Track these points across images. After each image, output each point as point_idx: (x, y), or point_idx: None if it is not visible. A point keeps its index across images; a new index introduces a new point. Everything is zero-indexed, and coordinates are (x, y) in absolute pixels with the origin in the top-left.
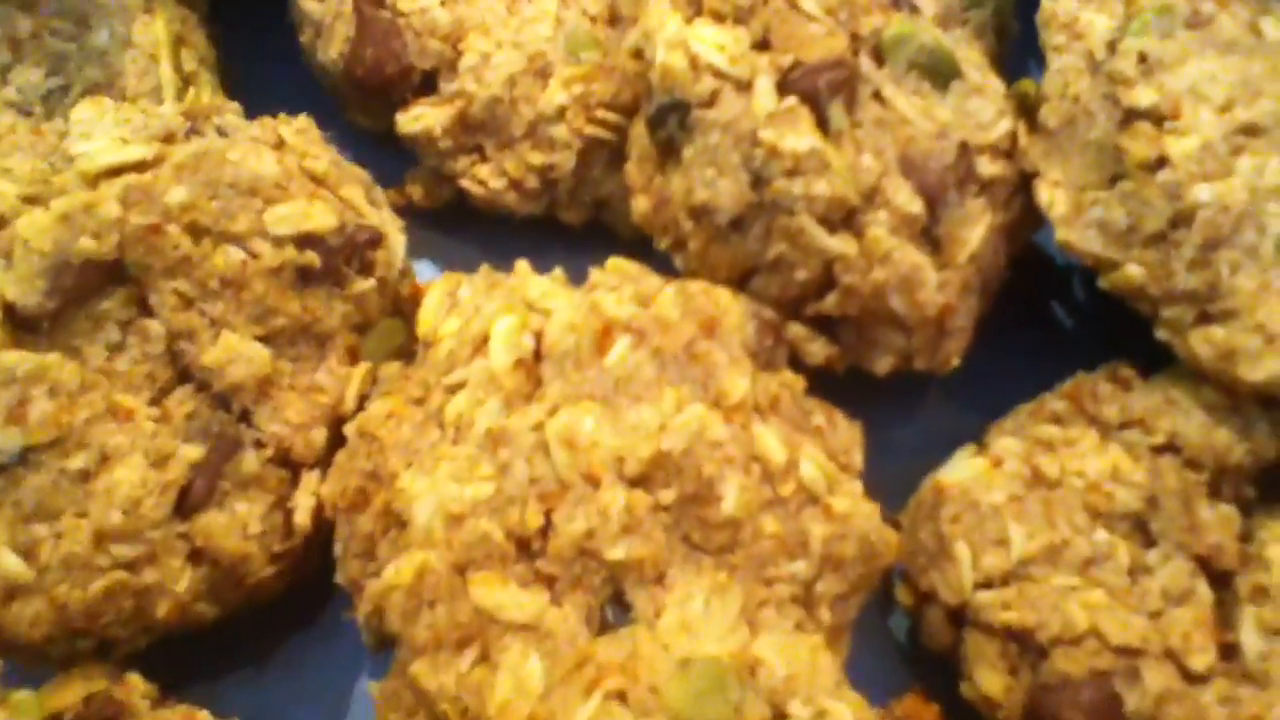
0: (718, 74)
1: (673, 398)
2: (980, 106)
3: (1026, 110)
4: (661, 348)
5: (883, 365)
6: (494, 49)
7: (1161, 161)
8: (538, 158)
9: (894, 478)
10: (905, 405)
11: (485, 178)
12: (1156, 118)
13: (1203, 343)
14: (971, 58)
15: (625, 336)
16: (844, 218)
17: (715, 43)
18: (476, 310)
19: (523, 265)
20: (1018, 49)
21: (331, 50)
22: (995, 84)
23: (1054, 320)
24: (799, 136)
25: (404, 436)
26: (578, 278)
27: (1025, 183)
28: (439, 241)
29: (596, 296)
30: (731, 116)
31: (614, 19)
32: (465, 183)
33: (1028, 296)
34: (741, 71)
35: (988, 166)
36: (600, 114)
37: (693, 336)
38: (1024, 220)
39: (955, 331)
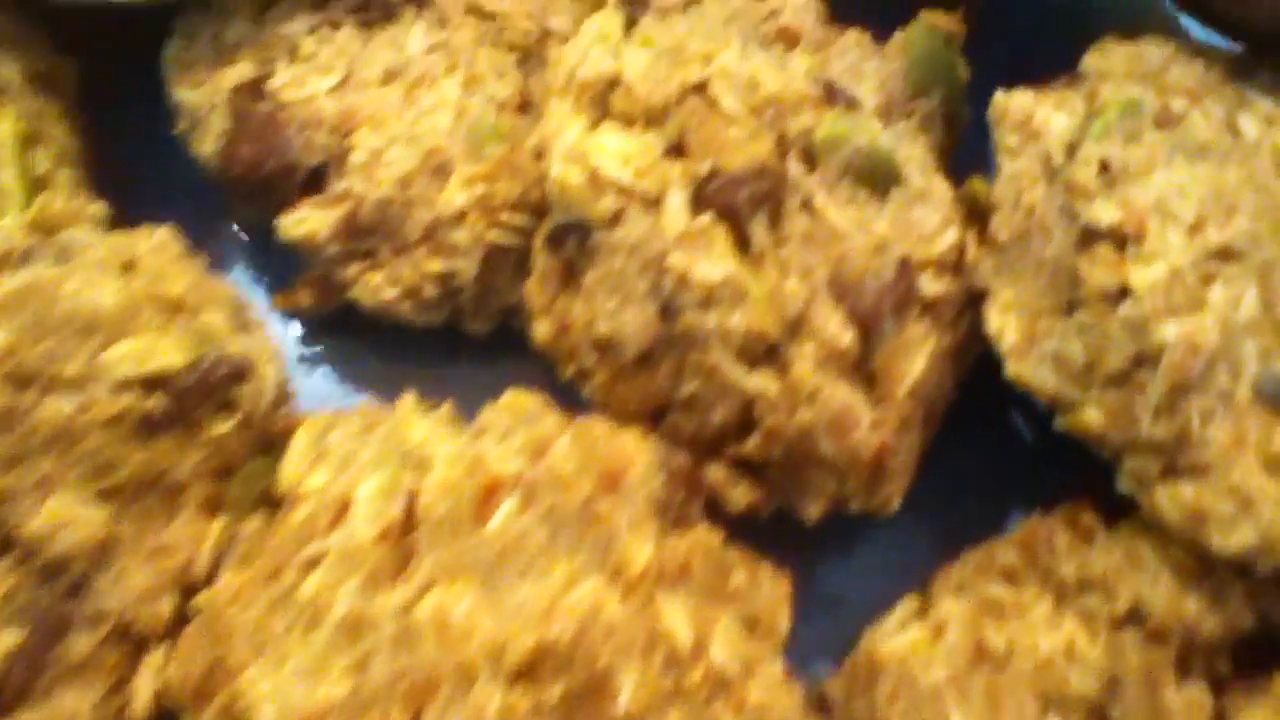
0: (621, 191)
1: (564, 571)
2: (924, 215)
3: (977, 214)
4: (554, 508)
5: (813, 511)
6: (386, 144)
7: (1123, 292)
8: (436, 265)
9: (829, 629)
10: (843, 541)
11: (378, 287)
12: (1118, 238)
13: (1169, 502)
14: (915, 156)
15: (512, 496)
16: (765, 352)
17: (620, 153)
18: (346, 461)
19: (405, 404)
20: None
21: (206, 145)
22: (941, 187)
23: (1008, 440)
24: (713, 262)
25: (253, 619)
26: (489, 390)
27: (975, 298)
28: (337, 348)
29: (481, 448)
30: (637, 239)
31: (525, 105)
32: (356, 292)
33: (980, 415)
34: (649, 186)
35: (931, 284)
36: (505, 216)
37: (591, 493)
38: (974, 339)
39: (894, 472)
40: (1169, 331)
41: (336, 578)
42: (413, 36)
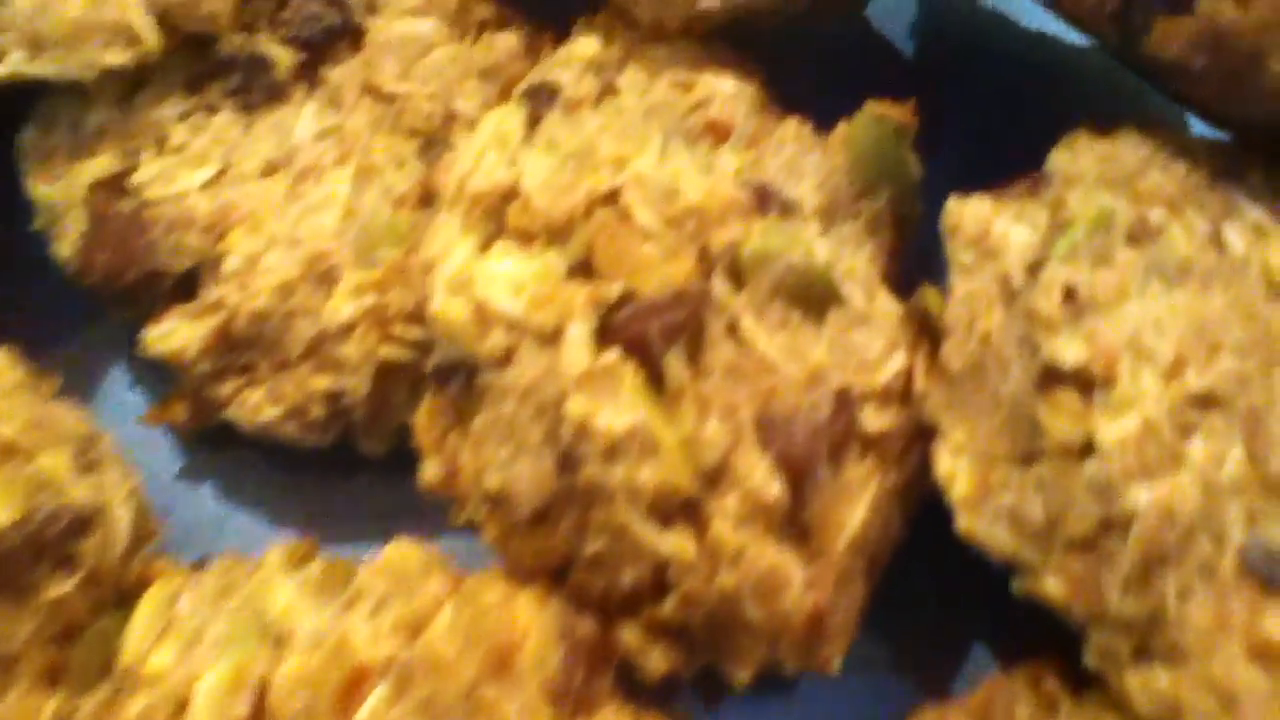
0: (513, 325)
1: None
2: (866, 339)
3: (929, 331)
4: (432, 697)
5: (742, 675)
6: (264, 247)
7: (1089, 446)
8: (322, 383)
9: None
10: (779, 700)
11: (257, 406)
12: (1084, 381)
13: (1141, 689)
14: (857, 269)
15: (381, 684)
16: (681, 507)
17: (512, 280)
18: (195, 637)
19: (271, 561)
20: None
21: (64, 247)
22: (886, 306)
23: (964, 585)
24: (619, 407)
25: None
26: (388, 514)
27: (925, 431)
28: (222, 462)
29: (349, 625)
30: (530, 380)
31: (426, 198)
32: (232, 412)
33: (932, 556)
34: (545, 319)
35: (874, 419)
36: (399, 329)
37: (475, 678)
38: (924, 474)
39: (833, 632)
40: (1141, 496)
41: None
42: (301, 121)
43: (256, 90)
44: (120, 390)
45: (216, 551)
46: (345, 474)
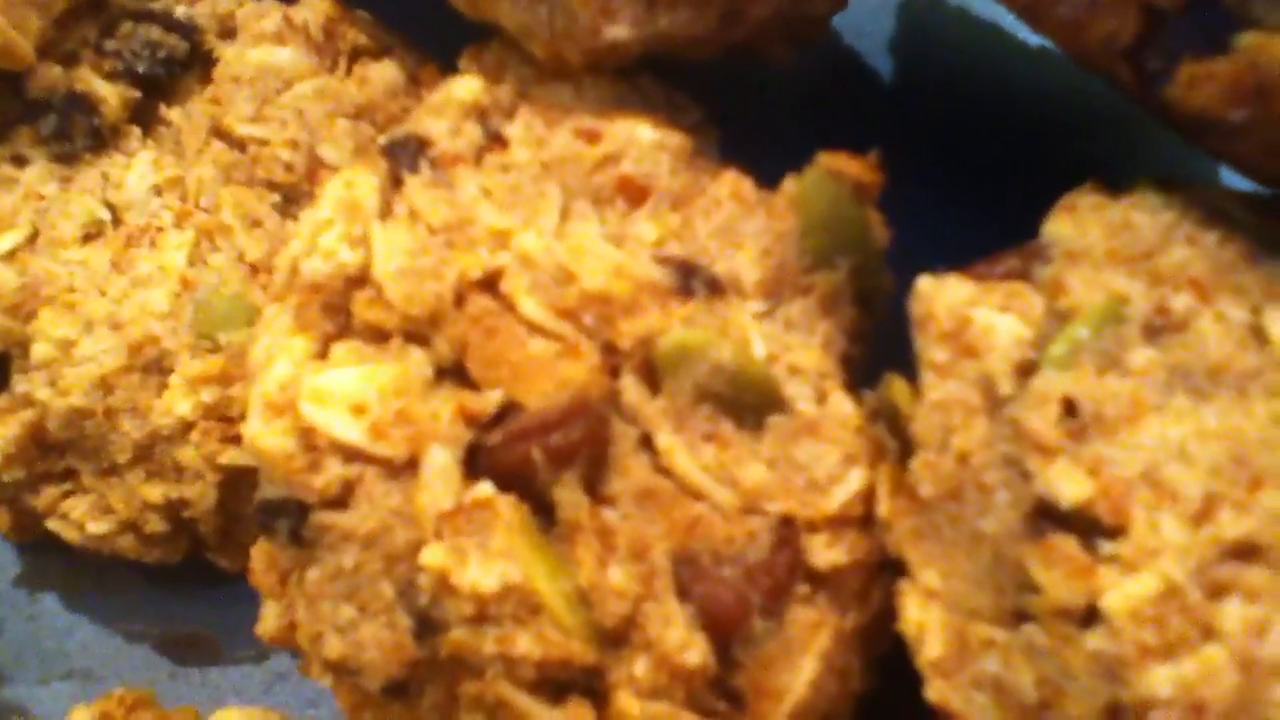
0: (353, 455)
1: None
2: (815, 453)
3: (898, 432)
4: None
5: None
6: (80, 332)
7: (1093, 613)
8: (157, 491)
9: None
10: None
11: (82, 518)
12: (1088, 526)
13: None
14: (806, 364)
15: None
16: (575, 677)
17: (352, 398)
18: None
19: None
20: None
21: None
22: (841, 409)
23: None
24: (489, 561)
25: None
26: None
27: (892, 561)
28: (66, 563)
29: None
30: (378, 523)
31: None
32: (54, 525)
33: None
34: (396, 446)
35: (825, 553)
36: None
37: None
38: (891, 613)
39: None
40: (1160, 681)
41: None
42: (133, 173)
43: (78, 136)
44: None
45: (57, 673)
46: (210, 581)
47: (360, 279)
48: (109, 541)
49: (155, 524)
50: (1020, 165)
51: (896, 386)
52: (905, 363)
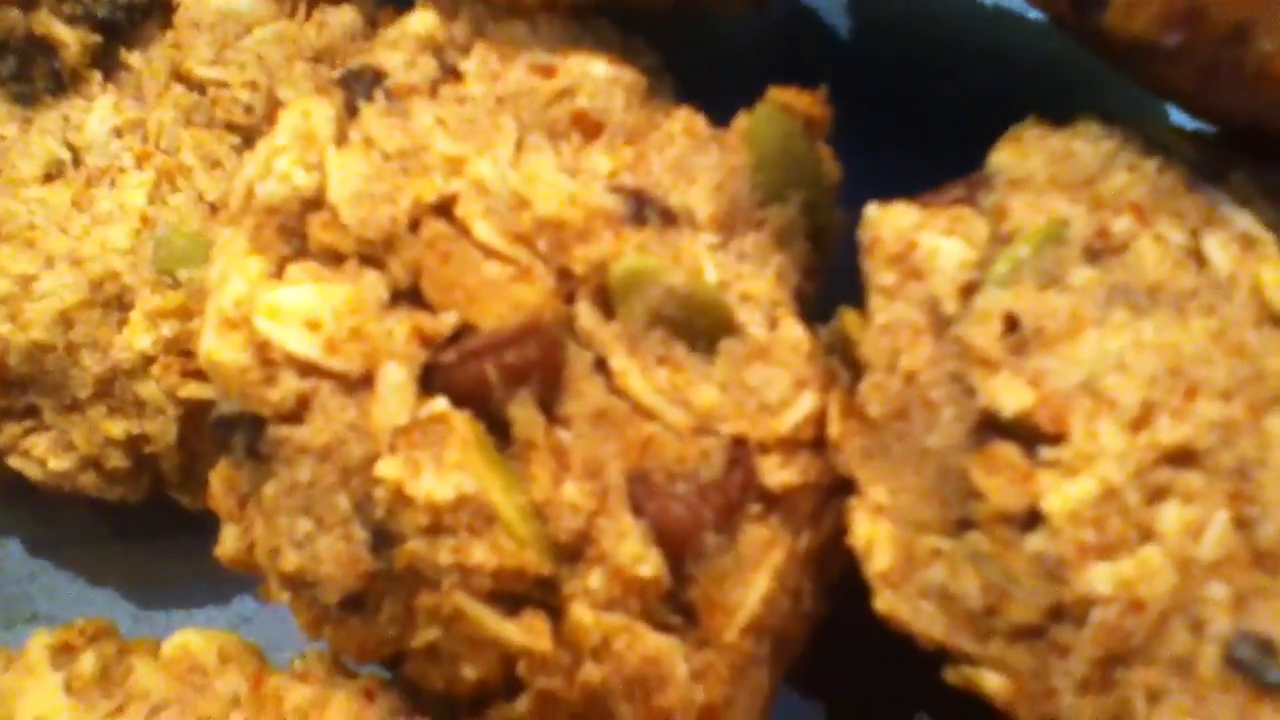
0: (308, 369)
1: None
2: (766, 376)
3: (850, 362)
4: None
5: None
6: (41, 268)
7: (1034, 517)
8: (119, 427)
9: None
10: None
11: (44, 455)
12: (1028, 435)
13: None
14: (758, 291)
15: None
16: (530, 589)
17: (306, 314)
18: None
19: (35, 649)
20: None
21: None
22: (793, 334)
23: (896, 663)
24: (443, 472)
25: None
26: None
27: (844, 483)
28: (33, 510)
29: None
30: (332, 436)
31: None
32: (16, 462)
33: (858, 630)
34: (351, 361)
35: (777, 473)
36: None
37: None
38: (845, 535)
39: None
40: (1099, 579)
41: None
42: (94, 115)
43: (38, 79)
44: None
45: (21, 617)
46: (173, 524)
47: (315, 202)
48: (70, 478)
49: (116, 460)
50: (971, 119)
51: (849, 317)
52: (856, 303)
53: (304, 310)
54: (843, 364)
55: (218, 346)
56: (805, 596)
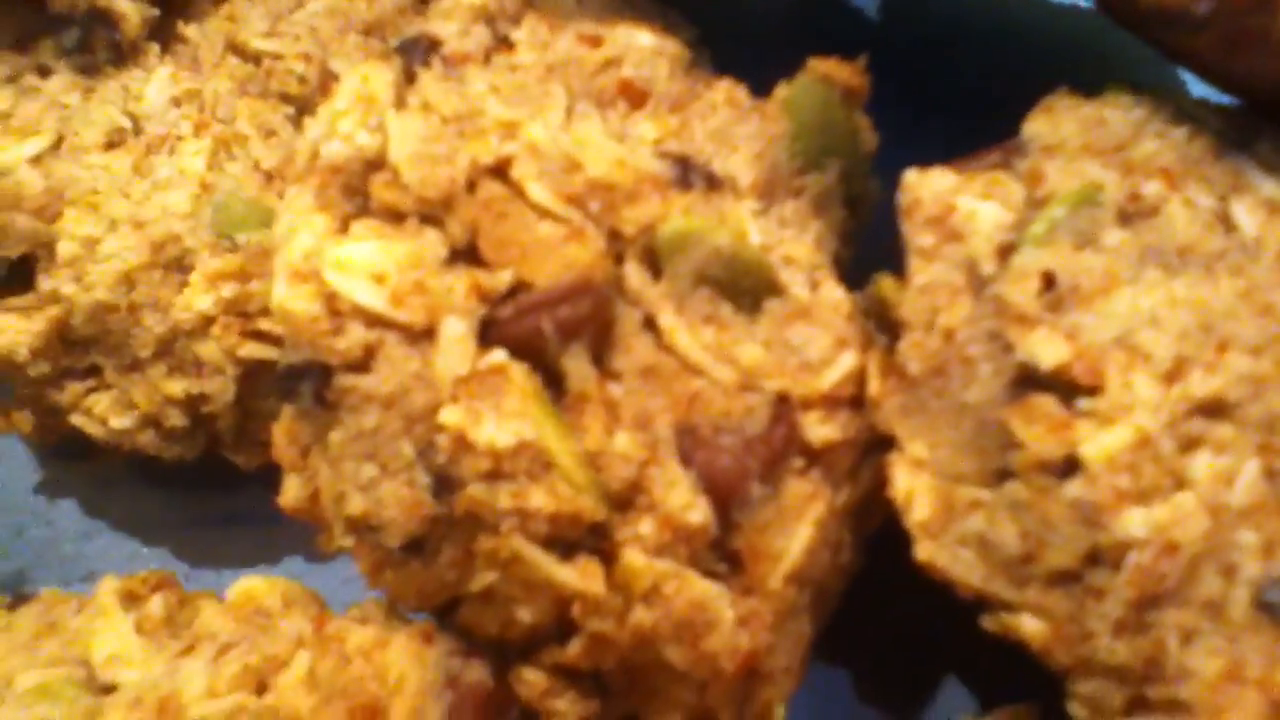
0: (374, 320)
1: None
2: (808, 335)
3: (888, 326)
4: None
5: None
6: (105, 231)
7: (1071, 464)
8: (178, 386)
9: None
10: None
11: (105, 413)
12: (1066, 386)
13: None
14: (800, 255)
15: None
16: (586, 533)
17: (371, 268)
18: (6, 685)
19: (102, 597)
20: None
21: None
22: (834, 296)
23: (931, 618)
24: (503, 420)
25: None
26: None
27: (881, 440)
28: (89, 472)
29: (180, 678)
30: (397, 386)
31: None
32: (78, 420)
33: (892, 584)
34: (414, 313)
35: (818, 429)
36: (265, 324)
37: None
38: (882, 491)
39: (772, 676)
40: (1134, 523)
41: None
42: (152, 85)
43: (99, 49)
44: None
45: (76, 576)
46: (225, 487)
47: (377, 162)
48: (130, 437)
49: (175, 419)
50: (1000, 91)
51: (885, 283)
52: (890, 271)
53: (370, 264)
54: (879, 328)
55: (288, 297)
56: (844, 549)
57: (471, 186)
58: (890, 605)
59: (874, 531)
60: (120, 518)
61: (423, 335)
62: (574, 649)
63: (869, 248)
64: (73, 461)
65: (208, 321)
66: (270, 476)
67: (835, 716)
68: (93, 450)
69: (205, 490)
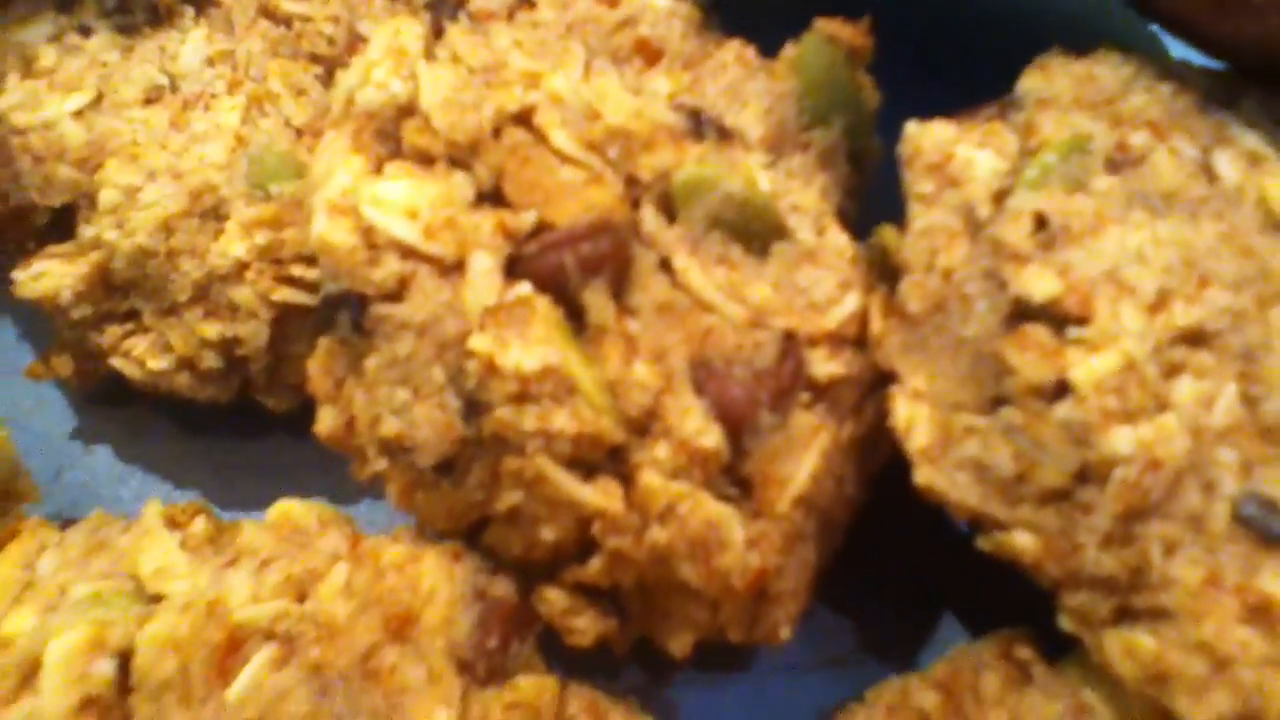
0: (408, 253)
1: None
2: (814, 277)
3: (889, 273)
4: (322, 663)
5: (680, 645)
6: (144, 180)
7: (1062, 388)
8: (214, 330)
9: None
10: (726, 674)
11: (143, 356)
12: (1057, 318)
13: (1124, 654)
14: (806, 203)
15: (264, 650)
16: (605, 456)
17: (405, 204)
18: (56, 597)
19: (148, 517)
20: None
21: None
22: (838, 241)
23: (929, 549)
24: (529, 346)
25: None
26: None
27: (883, 378)
28: (122, 420)
29: (225, 587)
30: (429, 314)
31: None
32: (117, 362)
33: (894, 516)
34: (446, 247)
35: (824, 365)
36: (297, 271)
37: (373, 644)
38: (884, 428)
39: (781, 597)
40: (1121, 441)
41: None
42: (189, 45)
43: (137, 10)
44: (7, 344)
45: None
46: (253, 433)
47: (409, 109)
48: (167, 378)
49: (210, 361)
50: (1000, 54)
51: (887, 232)
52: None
53: (404, 201)
54: (880, 276)
55: (328, 230)
56: (847, 482)
57: (497, 133)
58: (891, 543)
59: (877, 471)
60: (153, 462)
61: (453, 268)
62: (594, 567)
63: (871, 206)
64: (108, 408)
65: (242, 267)
66: (297, 424)
67: (838, 643)
68: (128, 396)
69: (234, 438)
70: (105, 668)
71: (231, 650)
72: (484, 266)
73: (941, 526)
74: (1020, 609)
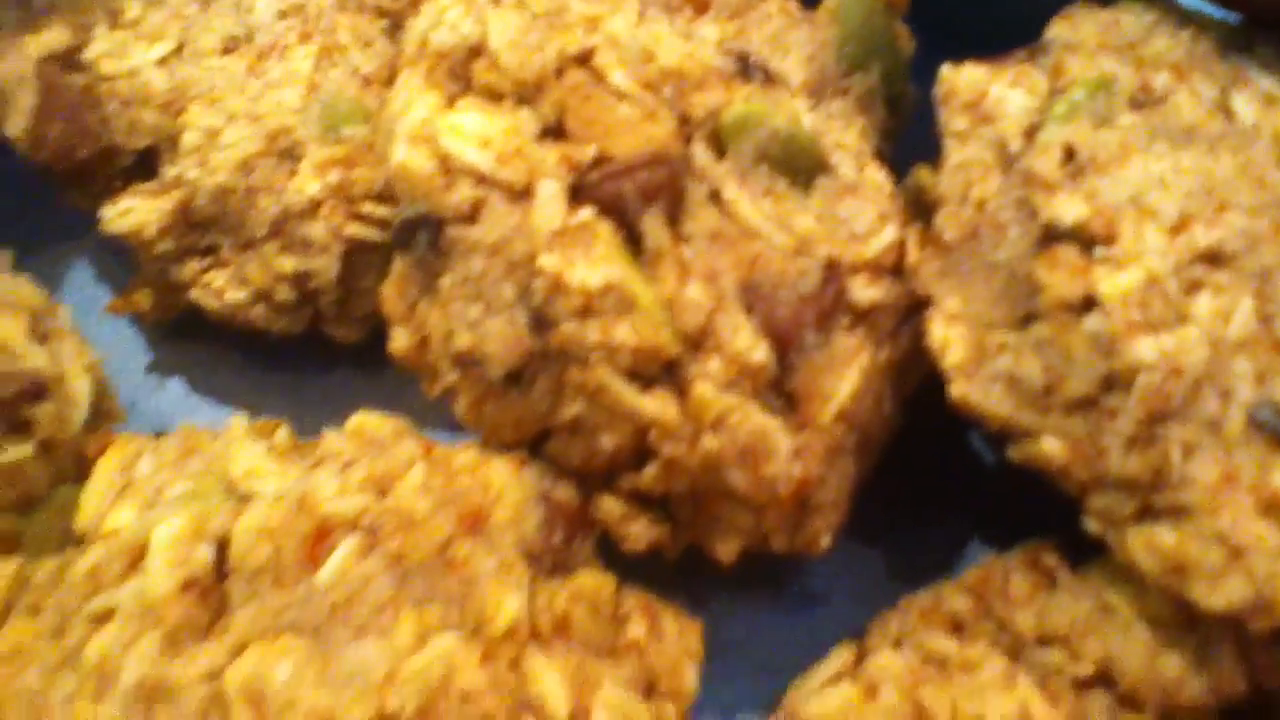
0: (481, 179)
1: (411, 628)
2: (855, 210)
3: (923, 209)
4: (402, 553)
5: (727, 551)
6: (224, 123)
7: (1089, 302)
8: (288, 263)
9: (751, 684)
10: (769, 583)
11: (222, 288)
12: (1085, 239)
13: (1145, 548)
14: (847, 142)
15: (349, 539)
16: (662, 369)
17: (478, 135)
18: (154, 496)
19: (234, 427)
20: None
21: (14, 124)
22: (877, 178)
23: (960, 466)
24: (593, 265)
25: (30, 684)
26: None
27: (919, 306)
28: (194, 355)
29: (312, 484)
30: (500, 236)
31: (394, 79)
32: (197, 294)
33: (928, 436)
34: (515, 174)
35: (864, 291)
36: (367, 208)
37: (448, 536)
38: (918, 353)
39: (822, 507)
40: (1144, 349)
41: (129, 636)
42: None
43: None
44: (84, 284)
45: None
46: (320, 367)
47: (478, 49)
48: (243, 310)
49: (284, 293)
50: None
51: (923, 172)
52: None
53: (477, 132)
54: (915, 213)
55: (408, 157)
56: (885, 402)
57: (560, 73)
58: (925, 463)
59: (911, 395)
60: (225, 395)
61: (522, 194)
62: (649, 474)
63: (905, 149)
64: (181, 342)
65: (315, 204)
66: (363, 356)
67: (874, 555)
68: (199, 332)
69: (303, 370)
70: (205, 552)
71: (319, 540)
72: (550, 192)
73: (969, 455)
74: (1045, 525)
